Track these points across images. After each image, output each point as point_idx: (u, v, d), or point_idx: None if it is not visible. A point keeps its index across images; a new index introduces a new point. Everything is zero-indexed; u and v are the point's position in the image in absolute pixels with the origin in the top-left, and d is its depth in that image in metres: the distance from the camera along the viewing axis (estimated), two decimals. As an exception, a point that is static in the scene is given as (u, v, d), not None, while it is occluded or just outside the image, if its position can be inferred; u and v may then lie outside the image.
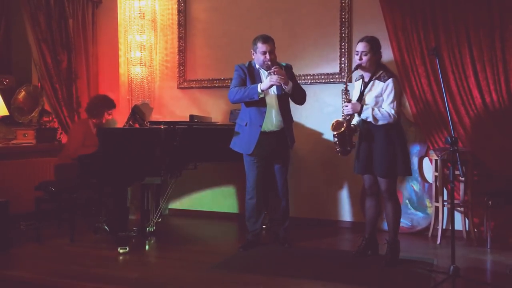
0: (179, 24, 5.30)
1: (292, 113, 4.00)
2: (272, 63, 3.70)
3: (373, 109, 3.39)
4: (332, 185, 4.77)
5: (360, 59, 3.45)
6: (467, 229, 4.22)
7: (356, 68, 3.51)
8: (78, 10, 5.24)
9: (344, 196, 4.75)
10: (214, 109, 5.16)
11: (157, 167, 3.84)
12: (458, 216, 4.20)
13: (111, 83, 5.39)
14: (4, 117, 4.76)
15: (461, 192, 4.20)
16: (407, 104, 4.43)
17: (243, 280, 3.19)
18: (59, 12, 5.06)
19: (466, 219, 4.22)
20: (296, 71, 4.21)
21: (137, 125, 4.28)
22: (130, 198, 4.41)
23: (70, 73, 5.17)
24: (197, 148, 4.14)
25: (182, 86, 5.33)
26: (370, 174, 3.53)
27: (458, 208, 4.19)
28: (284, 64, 3.91)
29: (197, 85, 5.27)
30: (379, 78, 3.44)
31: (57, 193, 4.13)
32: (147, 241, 4.16)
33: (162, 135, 3.88)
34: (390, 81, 3.39)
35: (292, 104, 3.97)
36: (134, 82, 5.29)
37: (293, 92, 3.81)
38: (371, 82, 3.46)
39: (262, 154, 3.85)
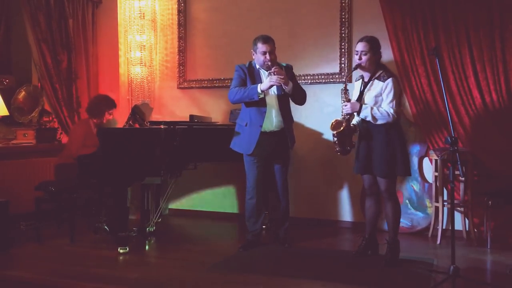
0: (179, 24, 5.30)
1: (292, 113, 4.00)
2: (272, 64, 3.70)
3: (372, 108, 3.39)
4: (332, 185, 4.77)
5: (360, 58, 3.45)
6: (467, 229, 4.22)
7: (355, 68, 3.51)
8: (78, 10, 5.24)
9: (344, 196, 4.75)
10: (214, 109, 5.16)
11: (157, 167, 3.84)
12: (458, 216, 4.20)
13: (111, 83, 5.39)
14: (4, 117, 4.76)
15: (461, 192, 4.20)
16: (407, 104, 4.43)
17: (243, 280, 3.19)
18: (59, 12, 5.06)
19: (466, 219, 4.22)
20: (296, 71, 4.21)
21: (137, 125, 4.28)
22: (130, 198, 4.40)
23: (70, 73, 5.17)
24: (197, 148, 4.14)
25: (182, 86, 5.33)
26: (370, 174, 3.53)
27: (458, 208, 4.19)
28: (284, 64, 3.91)
29: (197, 85, 5.27)
30: (378, 78, 3.44)
31: (57, 193, 4.13)
32: (147, 241, 4.16)
33: (162, 135, 3.88)
34: (389, 80, 3.39)
35: (292, 104, 3.97)
36: (134, 82, 5.29)
37: (293, 93, 3.81)
38: (371, 82, 3.46)
39: (262, 154, 3.85)
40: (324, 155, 4.72)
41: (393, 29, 4.33)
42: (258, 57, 3.80)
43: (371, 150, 3.48)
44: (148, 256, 3.89)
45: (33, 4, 4.85)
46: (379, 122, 3.40)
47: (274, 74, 3.63)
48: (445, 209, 4.18)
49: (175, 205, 5.38)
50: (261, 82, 3.77)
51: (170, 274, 3.33)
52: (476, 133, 4.11)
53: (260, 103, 3.78)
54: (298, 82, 4.08)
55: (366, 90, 3.48)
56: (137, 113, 4.30)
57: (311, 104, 4.64)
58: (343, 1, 4.64)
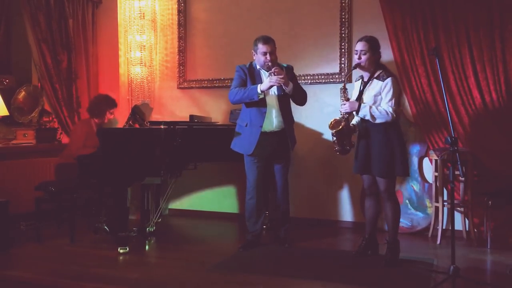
0: (179, 24, 5.30)
1: (292, 113, 4.00)
2: (273, 64, 3.70)
3: (371, 107, 3.39)
4: (332, 185, 4.77)
5: (359, 58, 3.45)
6: (467, 229, 4.22)
7: (355, 67, 3.51)
8: (78, 10, 5.25)
9: (344, 196, 4.75)
10: (214, 109, 5.16)
11: (157, 167, 3.84)
12: (458, 216, 4.20)
13: (111, 83, 5.39)
14: (4, 117, 4.76)
15: (461, 192, 4.20)
16: (407, 104, 4.43)
17: (243, 280, 3.19)
18: (59, 12, 5.07)
19: (466, 219, 4.22)
20: (296, 71, 4.20)
21: (137, 125, 4.28)
22: (130, 198, 4.40)
23: (70, 73, 5.17)
24: (197, 148, 4.14)
25: (182, 86, 5.33)
26: (369, 174, 3.53)
27: (458, 208, 4.19)
28: (285, 65, 3.91)
29: (197, 85, 5.27)
30: (378, 78, 3.45)
31: (57, 193, 4.13)
32: (147, 241, 4.16)
33: (162, 135, 3.88)
34: (389, 80, 3.39)
35: (292, 104, 3.97)
36: (134, 82, 5.29)
37: (293, 93, 3.81)
38: (370, 82, 3.47)
39: (262, 154, 3.85)
40: (324, 155, 4.72)
41: (393, 29, 4.33)
42: (259, 58, 3.81)
43: (370, 150, 3.48)
44: (148, 256, 3.89)
45: (33, 4, 4.85)
46: (378, 121, 3.40)
47: (274, 75, 3.63)
48: (445, 209, 4.18)
49: (175, 205, 5.38)
50: (262, 83, 3.77)
51: (170, 274, 3.33)
52: (476, 133, 4.11)
53: (260, 104, 3.78)
54: (299, 82, 4.08)
55: (365, 89, 3.48)
56: (137, 113, 4.30)
57: (311, 104, 4.64)
58: (343, 1, 4.64)
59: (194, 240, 4.35)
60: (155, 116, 5.26)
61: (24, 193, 4.43)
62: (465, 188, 4.17)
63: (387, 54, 4.23)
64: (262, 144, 3.81)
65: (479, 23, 4.03)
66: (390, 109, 3.37)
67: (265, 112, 3.79)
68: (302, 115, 4.71)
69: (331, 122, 3.50)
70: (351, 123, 3.58)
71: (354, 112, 3.50)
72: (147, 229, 4.26)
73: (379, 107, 3.39)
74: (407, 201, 4.44)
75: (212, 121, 4.91)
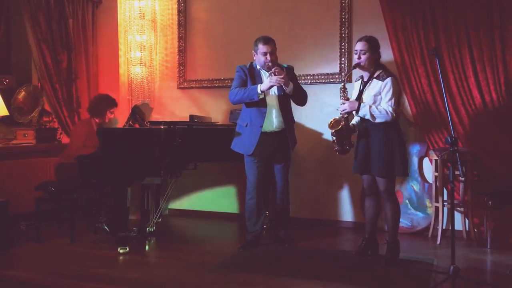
0: (179, 24, 5.30)
1: (292, 114, 3.99)
2: (273, 64, 3.70)
3: (370, 107, 3.40)
4: (332, 185, 4.77)
5: (359, 58, 3.45)
6: (467, 229, 4.22)
7: (354, 67, 3.51)
8: (78, 10, 5.25)
9: (344, 196, 4.75)
10: (214, 109, 5.16)
11: (157, 167, 3.84)
12: (458, 216, 4.20)
13: (111, 83, 5.39)
14: (4, 117, 4.76)
15: (461, 192, 4.20)
16: (406, 104, 4.43)
17: (243, 280, 3.20)
18: (59, 12, 5.07)
19: (466, 219, 4.22)
20: (296, 71, 4.20)
21: (137, 125, 4.28)
22: (130, 198, 4.40)
23: (70, 73, 5.17)
24: (197, 148, 4.14)
25: (182, 86, 5.33)
26: (369, 174, 3.53)
27: (458, 208, 4.19)
28: (285, 65, 3.91)
29: (197, 85, 5.27)
30: (378, 77, 3.45)
31: (57, 193, 4.13)
32: (147, 241, 4.16)
33: (162, 135, 3.88)
34: (388, 79, 3.39)
35: (292, 105, 3.97)
36: (134, 82, 5.29)
37: (294, 93, 3.81)
38: (370, 81, 3.47)
39: (263, 154, 3.85)
40: (324, 155, 4.72)
41: (393, 29, 4.33)
42: (259, 58, 3.81)
43: (370, 149, 3.48)
44: (148, 256, 3.89)
45: (33, 4, 4.85)
46: (377, 120, 3.40)
47: (275, 75, 3.63)
48: (445, 209, 4.18)
49: (175, 205, 5.38)
50: (262, 83, 3.77)
51: (170, 274, 3.33)
52: (476, 133, 4.11)
53: (260, 104, 3.78)
54: (299, 82, 4.08)
55: (365, 89, 3.49)
56: (137, 113, 4.30)
57: (311, 104, 4.63)
58: (343, 1, 4.64)
59: (194, 240, 4.35)
60: (155, 116, 5.26)
61: (24, 193, 4.43)
62: (465, 188, 4.17)
63: (387, 54, 4.23)
64: (262, 144, 3.81)
65: (479, 23, 4.03)
66: (390, 109, 3.37)
67: (265, 112, 3.79)
68: (302, 115, 4.71)
69: (331, 121, 3.50)
70: (351, 123, 3.58)
71: (354, 112, 3.50)
72: (147, 229, 4.27)
73: (379, 107, 3.39)
74: (407, 201, 4.44)
75: (212, 121, 4.91)
